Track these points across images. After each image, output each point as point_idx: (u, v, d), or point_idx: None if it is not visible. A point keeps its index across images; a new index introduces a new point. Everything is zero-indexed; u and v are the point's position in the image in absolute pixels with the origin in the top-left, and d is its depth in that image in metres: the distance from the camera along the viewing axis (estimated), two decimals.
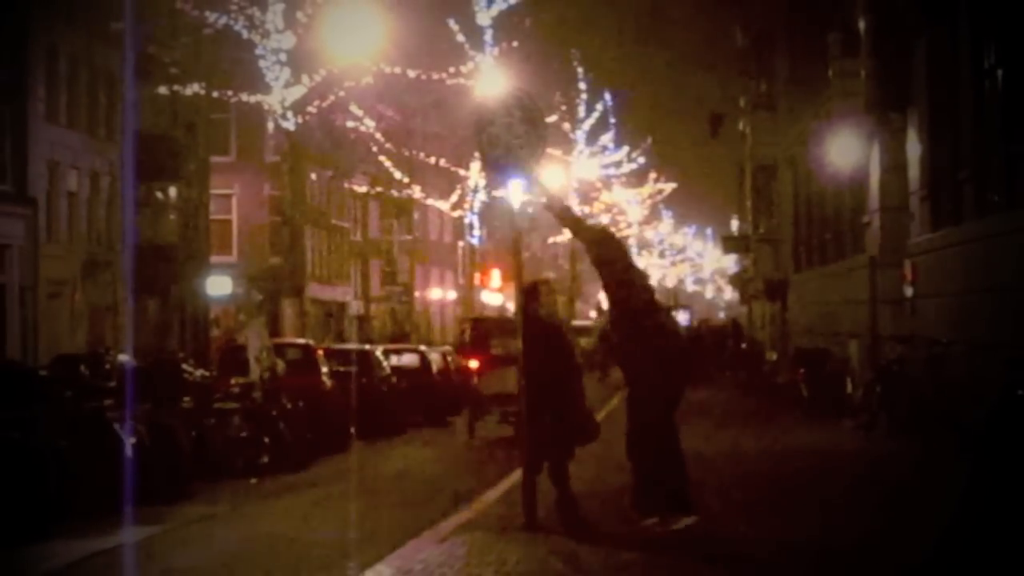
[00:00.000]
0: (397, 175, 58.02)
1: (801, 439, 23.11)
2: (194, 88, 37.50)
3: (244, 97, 35.63)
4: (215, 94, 37.68)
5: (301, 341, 31.46)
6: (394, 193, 63.12)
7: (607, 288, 13.60)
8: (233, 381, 23.19)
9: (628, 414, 13.22)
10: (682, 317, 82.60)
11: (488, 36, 49.85)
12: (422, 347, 39.84)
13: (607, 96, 72.99)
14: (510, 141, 13.55)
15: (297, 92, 34.04)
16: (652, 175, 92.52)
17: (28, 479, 14.57)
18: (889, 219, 28.18)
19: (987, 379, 18.80)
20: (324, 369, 27.35)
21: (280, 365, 24.26)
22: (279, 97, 33.82)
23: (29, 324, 42.33)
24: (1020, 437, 14.91)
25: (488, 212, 59.20)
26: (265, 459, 20.81)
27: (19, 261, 41.92)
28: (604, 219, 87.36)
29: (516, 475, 15.49)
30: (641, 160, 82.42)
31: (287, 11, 33.02)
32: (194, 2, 33.40)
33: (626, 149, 79.29)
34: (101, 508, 15.87)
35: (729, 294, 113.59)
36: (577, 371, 14.15)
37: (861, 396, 25.81)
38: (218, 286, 55.03)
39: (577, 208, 73.19)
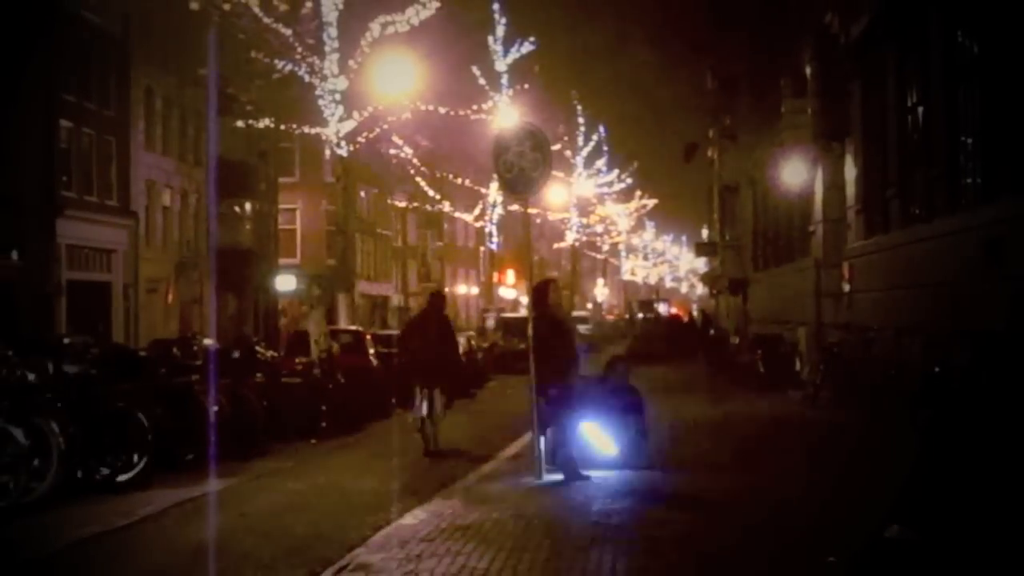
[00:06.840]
0: (430, 193, 58.05)
1: (759, 407, 23.12)
2: (265, 122, 37.39)
3: (306, 129, 35.55)
4: (283, 127, 37.63)
5: (352, 327, 31.44)
6: (428, 207, 63.15)
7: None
8: (297, 360, 23.26)
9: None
10: (663, 308, 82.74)
11: (504, 80, 49.96)
12: None
13: (601, 129, 73.07)
14: (522, 165, 13.59)
15: (349, 125, 34.01)
16: (638, 193, 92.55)
17: (131, 441, 14.63)
18: (830, 228, 28.16)
19: (909, 358, 18.84)
20: (371, 351, 27.38)
21: (335, 347, 24.35)
22: (334, 129, 33.78)
23: (131, 314, 42.52)
24: (940, 405, 14.91)
25: (504, 222, 59.14)
26: (323, 424, 20.85)
27: (123, 263, 42.09)
28: (598, 228, 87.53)
29: (525, 438, 15.54)
30: (629, 180, 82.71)
31: (341, 59, 33.02)
32: (265, 52, 33.33)
33: (616, 171, 79.36)
34: (190, 464, 15.94)
35: (700, 289, 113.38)
36: (576, 352, 14.17)
37: (808, 373, 25.83)
38: (285, 283, 55.11)
39: (576, 219, 73.32)
